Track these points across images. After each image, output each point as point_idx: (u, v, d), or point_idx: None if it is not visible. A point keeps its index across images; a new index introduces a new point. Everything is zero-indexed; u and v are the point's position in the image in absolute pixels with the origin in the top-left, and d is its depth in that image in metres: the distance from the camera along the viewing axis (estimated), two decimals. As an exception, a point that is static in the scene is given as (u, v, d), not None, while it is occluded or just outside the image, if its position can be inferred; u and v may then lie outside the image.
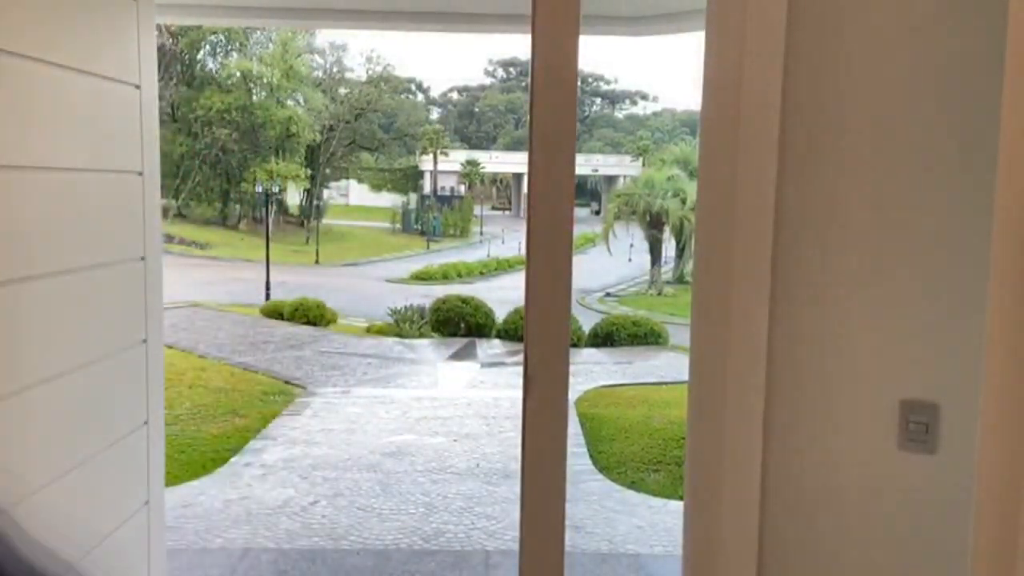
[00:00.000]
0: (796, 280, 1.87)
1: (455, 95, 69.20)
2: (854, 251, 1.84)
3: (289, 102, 40.54)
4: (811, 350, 1.88)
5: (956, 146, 1.77)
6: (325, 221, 41.38)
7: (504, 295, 18.73)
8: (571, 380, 2.11)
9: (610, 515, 5.63)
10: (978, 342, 1.60)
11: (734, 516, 1.93)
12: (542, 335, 2.04)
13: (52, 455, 2.10)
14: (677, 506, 5.71)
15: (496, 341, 15.34)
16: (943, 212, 1.78)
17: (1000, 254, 1.35)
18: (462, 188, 52.67)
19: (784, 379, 1.89)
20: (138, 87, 2.50)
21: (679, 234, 26.67)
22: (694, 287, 1.98)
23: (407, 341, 14.88)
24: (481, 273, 31.37)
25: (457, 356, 13.81)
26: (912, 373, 1.83)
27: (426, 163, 50.66)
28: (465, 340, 15.19)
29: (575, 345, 13.60)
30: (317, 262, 33.54)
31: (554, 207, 2.02)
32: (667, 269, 28.55)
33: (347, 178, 51.45)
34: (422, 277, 29.29)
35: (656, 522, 5.50)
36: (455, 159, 51.44)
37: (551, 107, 1.99)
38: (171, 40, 35.27)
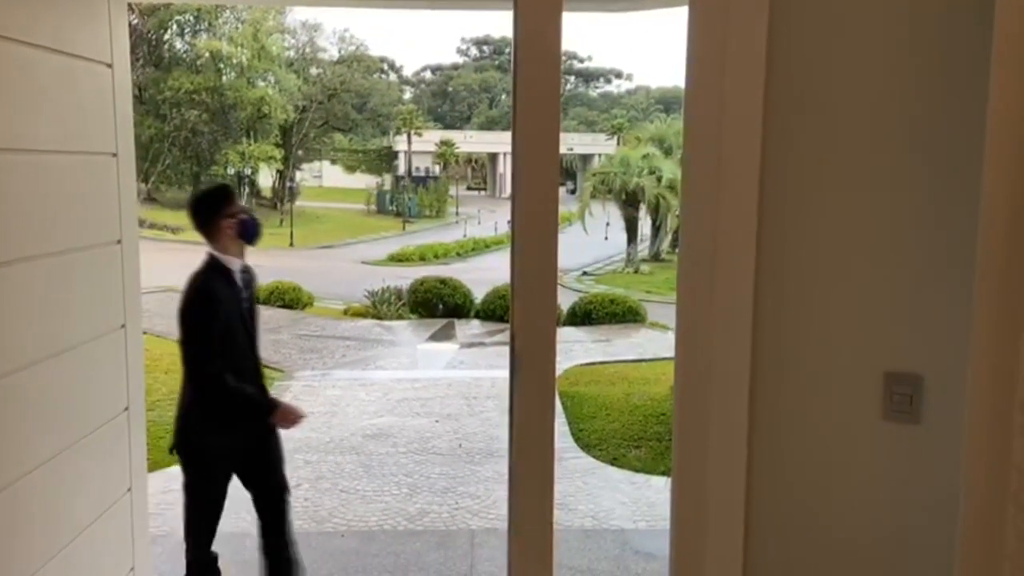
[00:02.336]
0: (781, 254, 1.88)
1: (428, 74, 68.61)
2: (838, 225, 1.85)
3: (260, 83, 39.90)
4: (796, 323, 1.89)
5: (940, 121, 1.77)
6: (299, 203, 40.90)
7: (482, 276, 18.67)
8: (553, 359, 2.10)
9: (593, 491, 5.67)
10: (960, 315, 1.62)
11: (721, 488, 1.95)
12: (529, 315, 2.03)
13: (31, 443, 2.06)
14: (659, 481, 5.77)
15: (475, 321, 15.33)
16: (927, 186, 1.79)
17: (987, 231, 1.36)
18: (437, 168, 52.33)
19: (770, 352, 1.90)
20: (110, 66, 2.45)
21: (655, 212, 26.71)
22: (679, 263, 1.98)
23: (385, 323, 14.82)
24: (458, 254, 31.25)
25: (436, 337, 13.80)
26: (896, 346, 1.85)
27: (400, 144, 50.22)
28: (444, 321, 15.17)
29: (554, 324, 13.59)
30: (292, 245, 33.19)
31: (539, 186, 2.00)
32: (643, 247, 28.63)
33: (320, 159, 50.89)
34: (399, 258, 29.10)
35: (639, 497, 5.56)
36: (429, 139, 51.02)
37: (535, 84, 1.97)
38: (139, 20, 34.55)
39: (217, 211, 3.20)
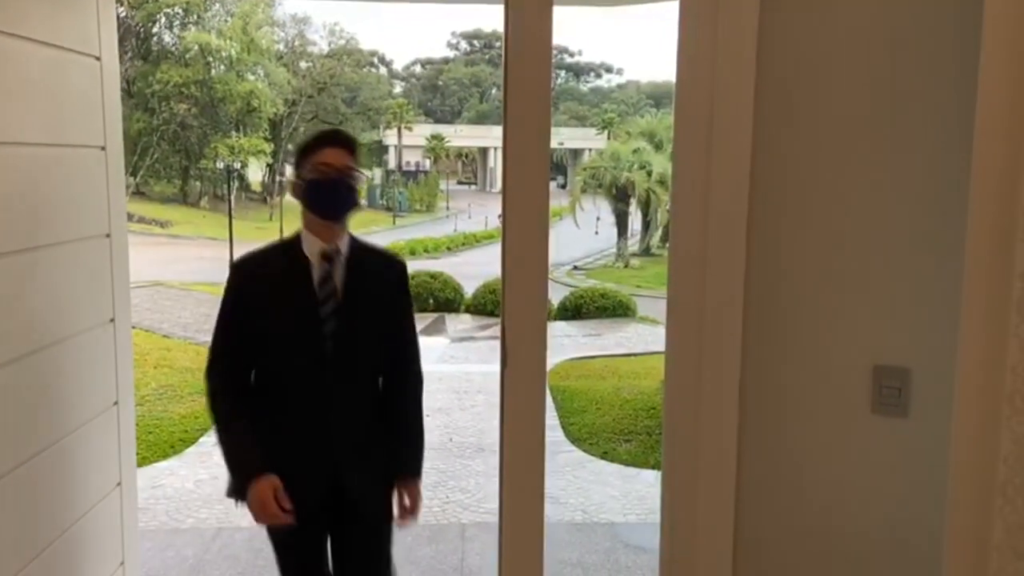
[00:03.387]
0: (771, 248, 1.88)
1: (418, 68, 68.41)
2: (828, 220, 1.86)
3: (250, 76, 39.70)
4: (786, 317, 1.90)
5: (930, 115, 1.78)
6: (288, 197, 40.77)
7: (472, 270, 18.67)
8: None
9: (584, 485, 5.68)
10: (949, 309, 1.63)
11: (711, 481, 1.95)
12: (519, 309, 2.03)
13: (20, 437, 2.05)
14: (649, 475, 5.78)
15: (465, 316, 15.34)
16: (917, 180, 1.80)
17: (975, 224, 1.37)
18: (427, 163, 52.20)
19: (760, 346, 1.91)
20: (98, 59, 2.43)
21: (645, 206, 26.78)
22: (670, 257, 1.98)
23: (376, 317, 14.78)
24: (448, 248, 31.23)
25: (426, 331, 13.77)
26: (885, 339, 1.85)
27: (390, 138, 50.07)
28: (434, 315, 15.16)
29: (544, 318, 13.62)
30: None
31: (529, 181, 2.00)
32: (634, 241, 28.69)
33: (310, 153, 50.57)
34: (389, 253, 29.03)
35: (629, 491, 5.56)
36: (420, 133, 50.88)
37: (526, 79, 1.97)
38: (127, 12, 34.30)
39: (298, 163, 2.25)
